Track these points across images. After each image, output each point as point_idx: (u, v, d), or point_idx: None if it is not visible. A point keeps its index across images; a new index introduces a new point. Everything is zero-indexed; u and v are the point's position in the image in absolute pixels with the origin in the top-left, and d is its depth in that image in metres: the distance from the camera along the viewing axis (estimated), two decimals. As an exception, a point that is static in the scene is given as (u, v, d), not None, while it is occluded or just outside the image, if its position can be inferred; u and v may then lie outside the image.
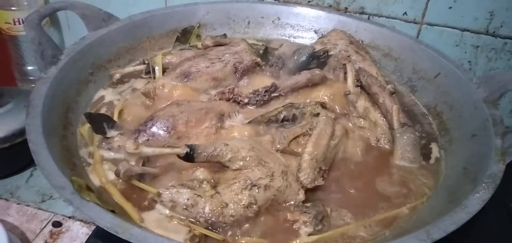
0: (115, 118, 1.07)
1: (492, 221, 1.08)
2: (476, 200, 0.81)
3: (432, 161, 1.08)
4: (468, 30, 1.41)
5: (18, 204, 1.11)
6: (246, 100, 1.12)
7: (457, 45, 1.44)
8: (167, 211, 0.85)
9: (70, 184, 0.79)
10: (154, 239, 0.71)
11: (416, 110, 1.26)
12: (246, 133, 1.04)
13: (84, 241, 1.00)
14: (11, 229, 1.03)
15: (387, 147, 1.07)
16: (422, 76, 1.30)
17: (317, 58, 1.26)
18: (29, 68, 1.59)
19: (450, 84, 1.20)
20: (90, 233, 1.02)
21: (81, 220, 1.07)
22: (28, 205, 1.10)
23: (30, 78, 1.59)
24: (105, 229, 0.72)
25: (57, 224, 1.06)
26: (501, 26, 1.37)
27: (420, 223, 0.84)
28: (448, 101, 1.19)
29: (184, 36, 1.44)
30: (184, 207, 0.83)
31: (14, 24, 1.51)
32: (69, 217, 1.07)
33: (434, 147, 1.12)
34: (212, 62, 1.20)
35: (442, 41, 1.43)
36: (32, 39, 1.08)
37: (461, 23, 1.40)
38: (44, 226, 1.05)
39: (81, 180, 0.84)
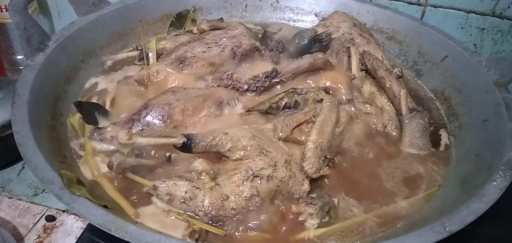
0: (107, 107, 1.04)
1: (503, 209, 1.04)
2: (494, 189, 0.78)
3: (441, 148, 1.05)
4: (473, 12, 1.37)
5: (9, 198, 1.07)
6: (245, 87, 1.08)
7: (462, 28, 1.41)
8: (164, 205, 0.81)
9: (59, 178, 0.75)
10: (150, 236, 0.67)
11: (423, 95, 1.22)
12: (246, 121, 1.00)
13: (79, 236, 0.97)
14: (2, 224, 0.99)
15: (394, 133, 1.04)
16: (428, 60, 1.27)
17: (319, 42, 1.22)
18: (19, 57, 1.54)
19: (458, 67, 1.17)
20: (85, 227, 0.98)
21: (76, 214, 1.02)
22: (20, 199, 1.07)
23: (20, 67, 1.53)
24: (97, 226, 0.68)
25: (50, 218, 1.02)
26: (509, 7, 1.33)
27: (433, 213, 0.81)
28: (457, 85, 1.15)
29: (179, 20, 1.41)
30: (182, 200, 0.79)
31: (1, 11, 1.45)
32: (63, 211, 1.04)
33: (443, 133, 1.09)
34: (208, 47, 1.16)
35: (447, 23, 1.39)
36: (17, 24, 1.04)
37: (466, 4, 1.37)
38: (37, 221, 1.02)
39: (71, 173, 0.80)
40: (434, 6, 1.40)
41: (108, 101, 1.06)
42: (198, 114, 0.98)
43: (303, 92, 1.05)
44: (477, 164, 0.92)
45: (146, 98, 1.03)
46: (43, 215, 1.03)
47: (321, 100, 1.02)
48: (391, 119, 1.06)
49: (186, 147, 0.84)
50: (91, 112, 0.99)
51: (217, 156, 0.88)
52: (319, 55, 1.14)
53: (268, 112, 1.02)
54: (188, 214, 0.80)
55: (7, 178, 1.13)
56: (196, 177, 0.83)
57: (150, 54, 1.21)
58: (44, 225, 1.01)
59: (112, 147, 0.93)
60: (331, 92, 1.07)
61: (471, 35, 1.41)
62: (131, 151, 0.88)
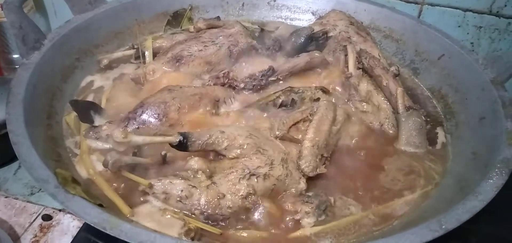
0: (103, 105, 1.04)
1: (501, 206, 1.04)
2: (490, 187, 0.78)
3: (438, 146, 1.04)
4: (470, 10, 1.37)
5: (6, 197, 1.07)
6: (242, 85, 1.08)
7: (459, 26, 1.40)
8: (160, 204, 0.80)
9: (54, 176, 0.74)
10: (145, 235, 0.67)
11: (420, 93, 1.22)
12: (242, 119, 0.99)
13: (75, 235, 0.97)
14: (-1, 223, 0.99)
15: (391, 132, 1.04)
16: (425, 58, 1.26)
17: (316, 40, 1.22)
18: (15, 56, 1.53)
19: (455, 66, 1.16)
20: (81, 226, 0.98)
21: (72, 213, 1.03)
22: (16, 198, 1.07)
23: (16, 66, 1.53)
24: (92, 225, 0.67)
25: (47, 218, 1.02)
26: (505, 6, 1.32)
27: (430, 211, 0.81)
28: (453, 83, 1.15)
29: (176, 19, 1.41)
30: (177, 199, 0.79)
31: (-3, 10, 1.44)
32: (60, 210, 1.04)
33: (440, 131, 1.08)
34: (205, 45, 1.16)
35: (444, 21, 1.39)
36: (12, 23, 1.03)
37: (463, 2, 1.36)
38: (34, 220, 1.02)
39: (67, 172, 0.80)
40: (431, 5, 1.39)
41: (104, 100, 1.06)
42: (195, 112, 0.97)
43: (300, 90, 1.04)
44: (473, 162, 0.92)
45: (142, 96, 1.02)
46: (39, 214, 1.03)
47: (318, 99, 1.02)
48: (387, 118, 1.05)
49: (182, 146, 0.83)
50: (87, 110, 0.98)
51: (213, 155, 0.88)
52: (316, 54, 1.14)
53: (265, 110, 1.01)
54: (184, 212, 0.79)
55: (3, 177, 1.12)
56: (192, 176, 0.82)
57: (146, 53, 1.20)
58: (41, 224, 1.01)
59: (107, 146, 0.92)
60: (327, 91, 1.07)
61: (468, 33, 1.41)
62: (127, 149, 0.87)
